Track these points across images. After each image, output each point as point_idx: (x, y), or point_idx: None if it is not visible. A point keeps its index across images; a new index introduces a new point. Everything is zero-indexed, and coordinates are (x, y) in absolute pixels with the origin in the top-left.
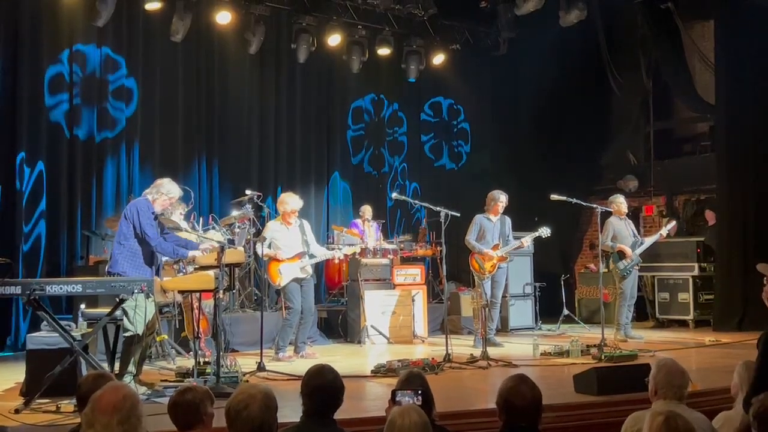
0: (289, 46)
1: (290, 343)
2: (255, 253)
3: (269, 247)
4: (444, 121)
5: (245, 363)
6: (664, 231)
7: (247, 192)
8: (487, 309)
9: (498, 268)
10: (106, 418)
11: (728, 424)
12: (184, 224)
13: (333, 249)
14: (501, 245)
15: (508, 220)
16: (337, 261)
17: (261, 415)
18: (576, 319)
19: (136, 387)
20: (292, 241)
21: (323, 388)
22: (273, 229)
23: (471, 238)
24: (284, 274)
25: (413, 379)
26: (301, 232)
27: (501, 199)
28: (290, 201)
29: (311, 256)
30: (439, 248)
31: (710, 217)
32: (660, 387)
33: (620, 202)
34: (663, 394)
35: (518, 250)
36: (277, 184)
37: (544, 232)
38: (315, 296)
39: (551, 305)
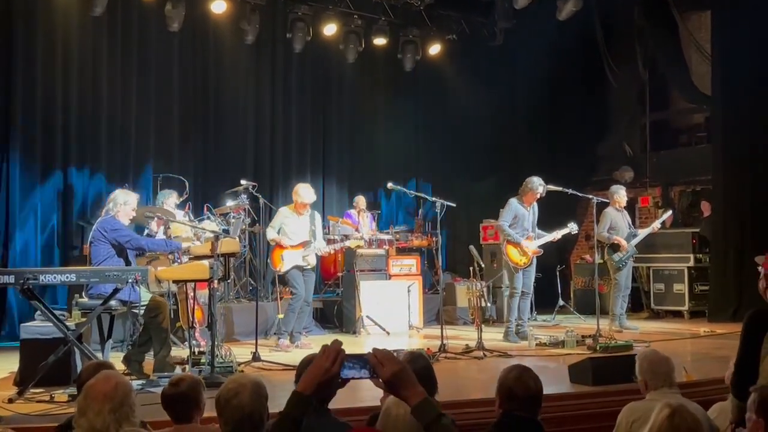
0: (285, 36)
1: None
2: (250, 243)
3: (278, 232)
4: (440, 112)
5: (240, 353)
6: (657, 224)
7: (243, 182)
8: (482, 299)
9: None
10: (98, 405)
11: (723, 415)
12: (179, 214)
13: (331, 241)
14: (533, 236)
15: (535, 206)
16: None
17: (251, 404)
18: (571, 309)
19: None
20: (299, 229)
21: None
22: (283, 215)
23: (505, 223)
24: (286, 261)
25: (417, 359)
26: (310, 222)
27: (539, 189)
28: (303, 194)
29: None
30: (434, 239)
31: (705, 208)
32: (648, 378)
33: (622, 195)
34: (653, 384)
35: None
36: (272, 174)
37: (573, 228)
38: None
39: (547, 296)
